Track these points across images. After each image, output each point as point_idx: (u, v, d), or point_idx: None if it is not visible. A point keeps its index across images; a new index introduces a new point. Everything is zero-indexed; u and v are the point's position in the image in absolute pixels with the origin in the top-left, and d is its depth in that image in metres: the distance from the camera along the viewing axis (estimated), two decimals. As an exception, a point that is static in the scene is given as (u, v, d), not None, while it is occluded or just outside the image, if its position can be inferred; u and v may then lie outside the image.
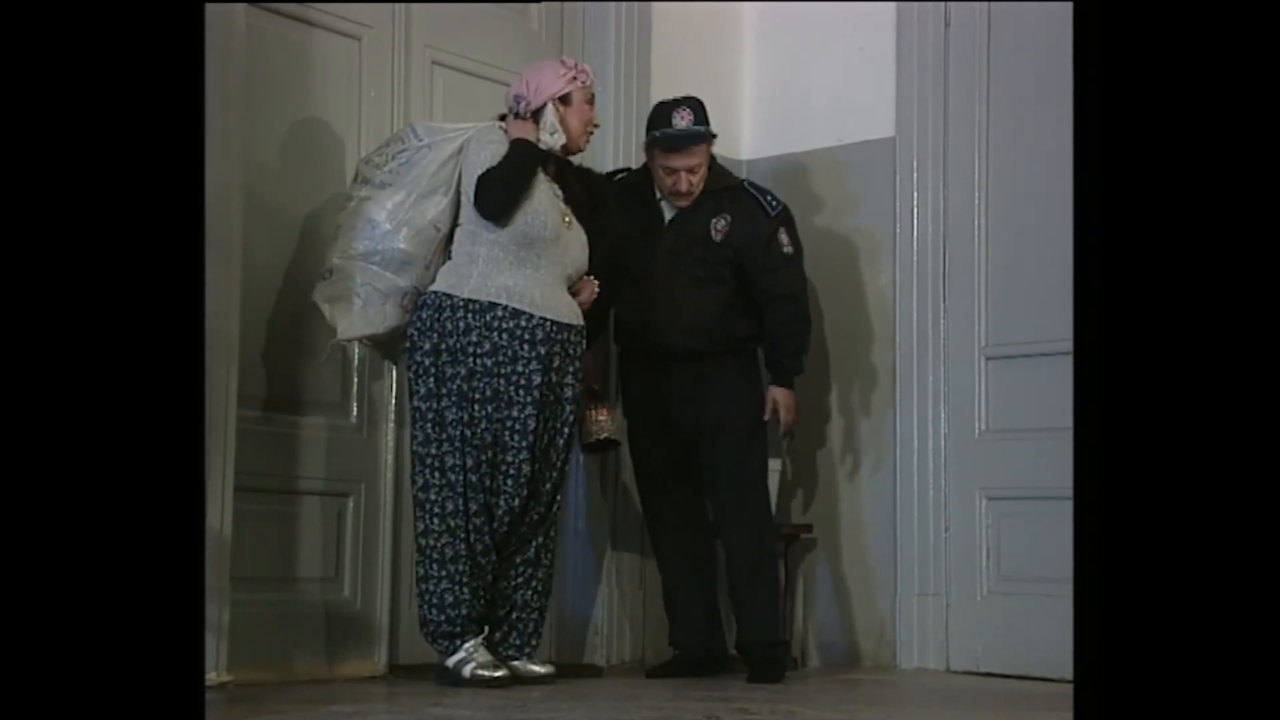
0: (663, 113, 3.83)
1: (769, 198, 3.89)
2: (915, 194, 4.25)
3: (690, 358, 3.84)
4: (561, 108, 3.49)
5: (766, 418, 3.87)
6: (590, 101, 3.54)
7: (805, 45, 4.51)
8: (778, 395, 3.87)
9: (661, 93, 3.99)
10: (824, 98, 4.46)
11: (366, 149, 3.66)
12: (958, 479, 4.13)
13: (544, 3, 4.21)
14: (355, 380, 3.73)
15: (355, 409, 3.73)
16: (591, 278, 3.56)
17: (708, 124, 3.83)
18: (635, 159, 4.13)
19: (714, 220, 3.85)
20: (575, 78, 3.51)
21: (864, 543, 4.29)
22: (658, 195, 3.90)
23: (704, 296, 3.83)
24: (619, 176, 3.99)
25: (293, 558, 3.57)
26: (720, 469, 3.86)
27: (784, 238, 3.87)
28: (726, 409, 3.84)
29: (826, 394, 4.33)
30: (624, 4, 4.25)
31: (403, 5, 3.86)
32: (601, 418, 3.83)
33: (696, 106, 3.83)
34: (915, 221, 4.25)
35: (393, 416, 3.78)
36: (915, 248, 4.25)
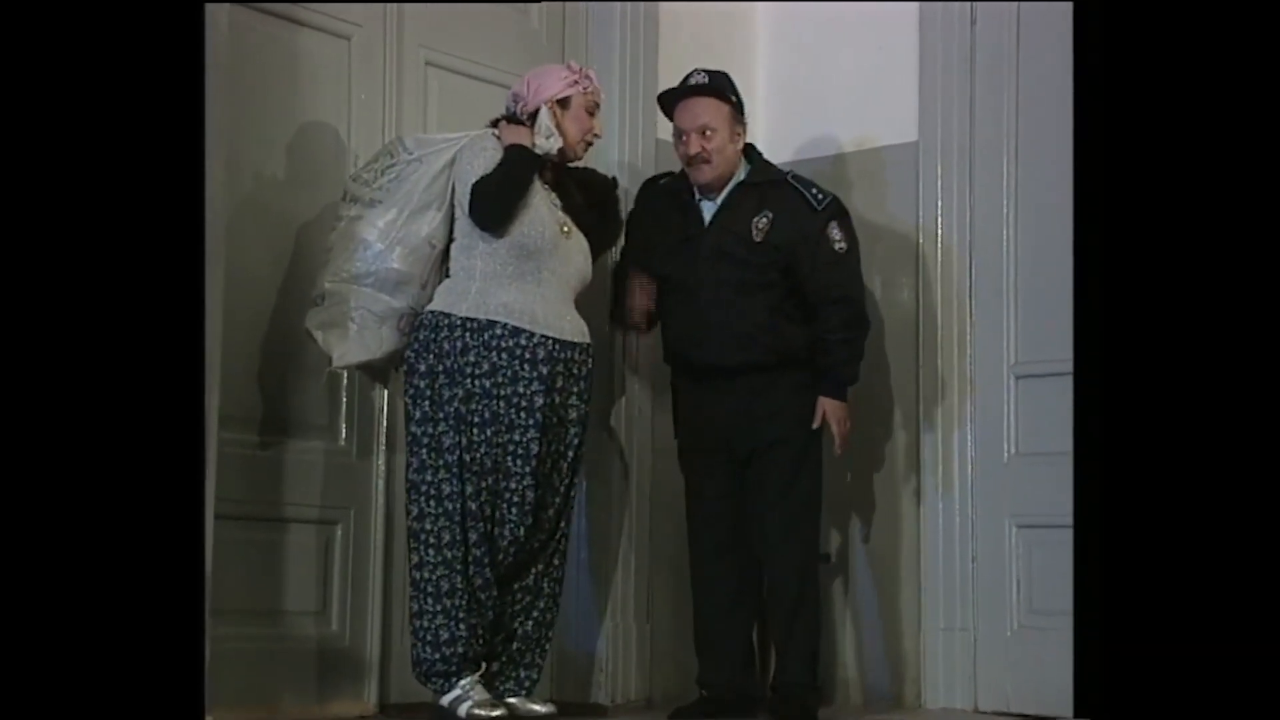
0: (682, 80, 3.77)
1: (814, 191, 3.78)
2: (939, 202, 4.20)
3: (739, 372, 3.72)
4: (559, 112, 3.47)
5: (815, 424, 3.73)
6: (593, 112, 3.52)
7: (821, 45, 4.48)
8: (828, 407, 3.73)
9: (669, 84, 3.92)
10: (842, 100, 4.41)
11: (356, 155, 3.66)
12: (985, 505, 4.08)
13: (545, 1, 4.19)
14: (344, 401, 3.70)
15: (344, 431, 3.70)
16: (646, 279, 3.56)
17: (730, 91, 3.74)
18: (641, 165, 4.14)
19: (755, 219, 3.73)
20: (577, 82, 3.49)
21: (885, 574, 4.23)
22: (697, 196, 3.80)
23: (750, 303, 3.71)
24: (662, 181, 3.92)
25: (278, 589, 3.54)
26: (768, 494, 3.74)
27: (835, 233, 3.75)
28: (779, 429, 3.72)
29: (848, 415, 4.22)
30: (629, 3, 4.23)
31: (395, 3, 3.83)
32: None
33: (717, 73, 3.75)
34: (939, 232, 4.21)
35: (384, 439, 3.74)
36: (939, 259, 4.20)
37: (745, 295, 3.71)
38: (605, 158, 4.06)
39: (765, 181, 3.79)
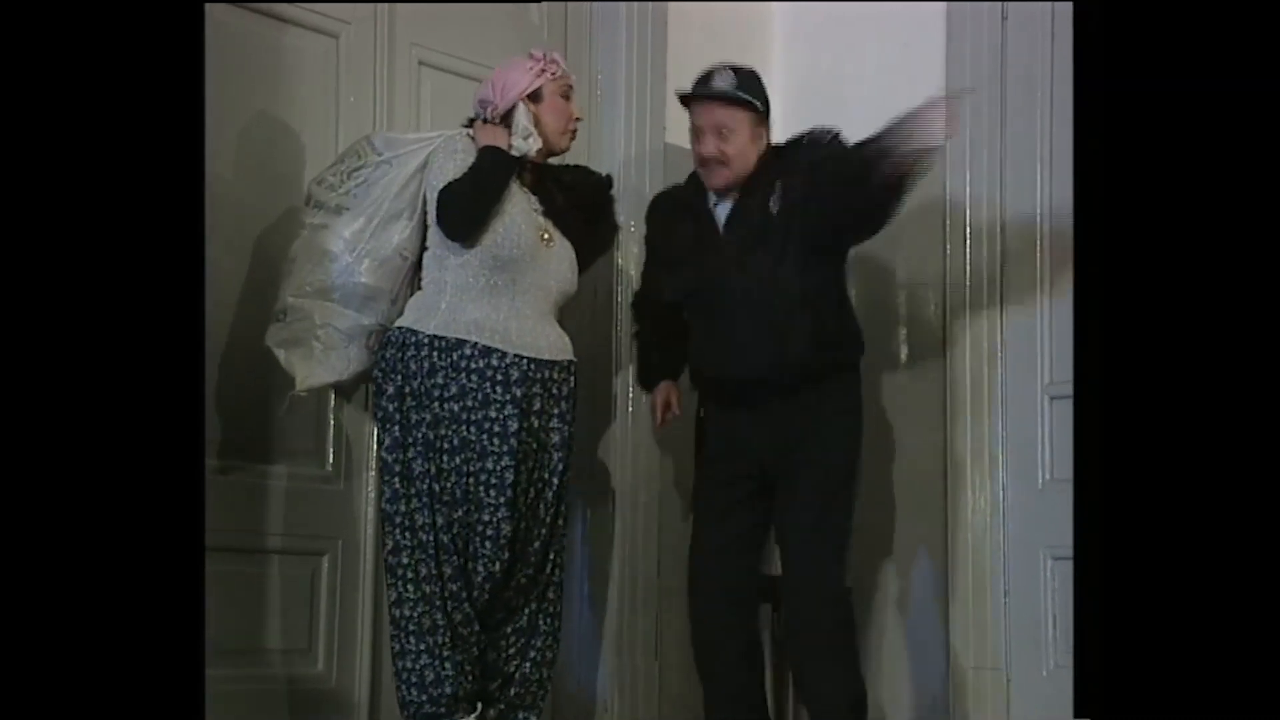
0: (703, 73, 3.63)
1: (788, 147, 3.60)
2: (968, 212, 4.15)
3: (775, 382, 3.50)
4: (533, 106, 3.39)
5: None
6: (567, 95, 3.43)
7: (842, 44, 4.46)
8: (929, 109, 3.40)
9: (677, 86, 3.86)
10: (863, 105, 4.14)
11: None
12: (1019, 535, 4.02)
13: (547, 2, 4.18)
14: (330, 424, 3.65)
15: (330, 456, 3.66)
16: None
17: (755, 95, 3.58)
18: (648, 171, 4.13)
19: (770, 198, 3.55)
20: (544, 70, 3.40)
21: (910, 609, 4.17)
22: (711, 200, 3.62)
23: (787, 296, 3.49)
24: (671, 191, 3.79)
25: (259, 626, 3.51)
26: (794, 525, 3.53)
27: (819, 137, 3.55)
28: (813, 449, 3.51)
29: (866, 437, 4.12)
30: (637, 1, 4.21)
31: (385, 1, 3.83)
32: None
33: (745, 73, 3.60)
34: (968, 244, 4.15)
35: (373, 465, 3.69)
36: (968, 273, 4.14)
37: (774, 286, 3.50)
38: (610, 162, 4.04)
39: (772, 163, 3.60)
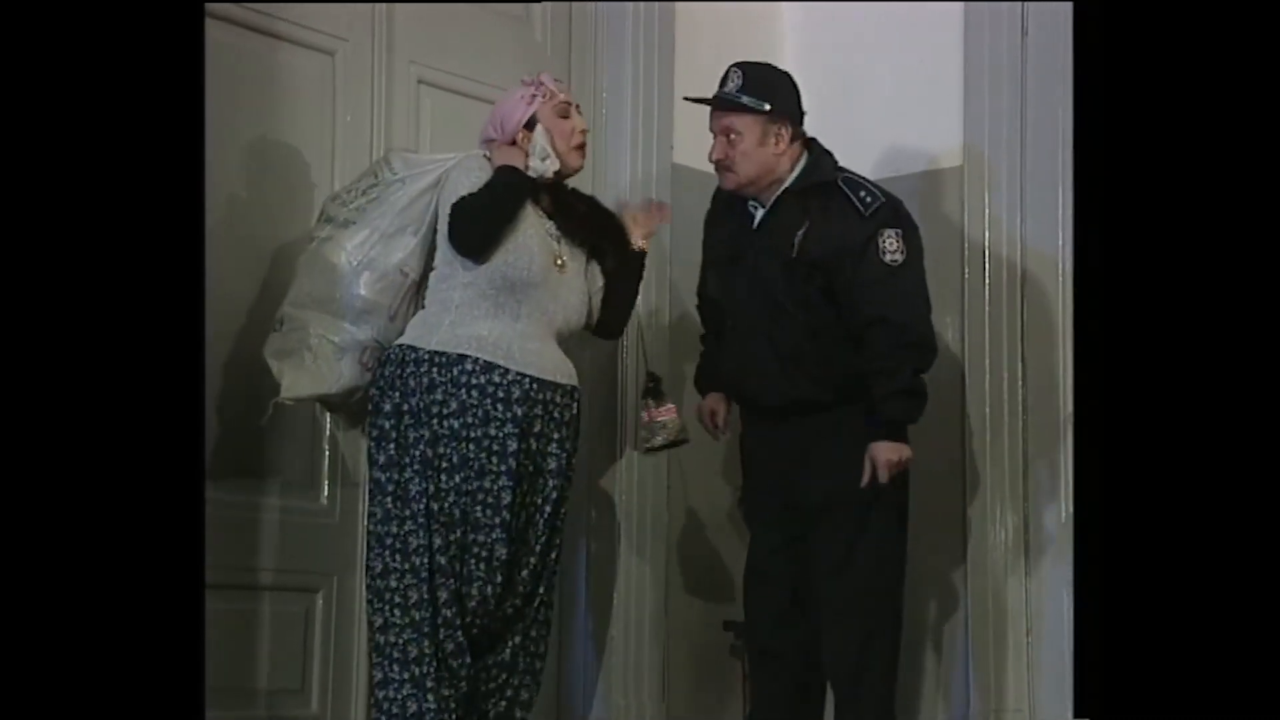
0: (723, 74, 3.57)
1: (864, 193, 3.50)
2: (987, 234, 4.11)
3: (790, 411, 3.46)
4: (527, 134, 3.37)
5: (864, 483, 3.38)
6: (565, 114, 3.41)
7: (855, 54, 4.43)
8: (875, 452, 3.38)
9: (684, 107, 3.85)
10: (877, 118, 4.34)
11: (340, 181, 3.60)
12: (1041, 573, 3.98)
13: (548, 1, 4.15)
14: (326, 452, 3.62)
15: (325, 488, 3.63)
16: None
17: (762, 96, 3.51)
18: (655, 191, 4.09)
19: (797, 232, 3.48)
20: (535, 95, 3.39)
21: (928, 650, 4.11)
22: (751, 204, 3.58)
23: (789, 328, 3.45)
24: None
25: (251, 666, 3.48)
26: (824, 561, 3.44)
27: (888, 243, 3.42)
28: (834, 480, 3.42)
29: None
30: (643, 3, 4.19)
31: (383, 14, 3.82)
32: (661, 418, 3.60)
33: (755, 73, 3.53)
34: (987, 266, 4.11)
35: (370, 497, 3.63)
36: (987, 297, 4.10)
37: (782, 319, 3.46)
38: (617, 184, 4.05)
39: (811, 185, 3.53)
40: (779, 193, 3.53)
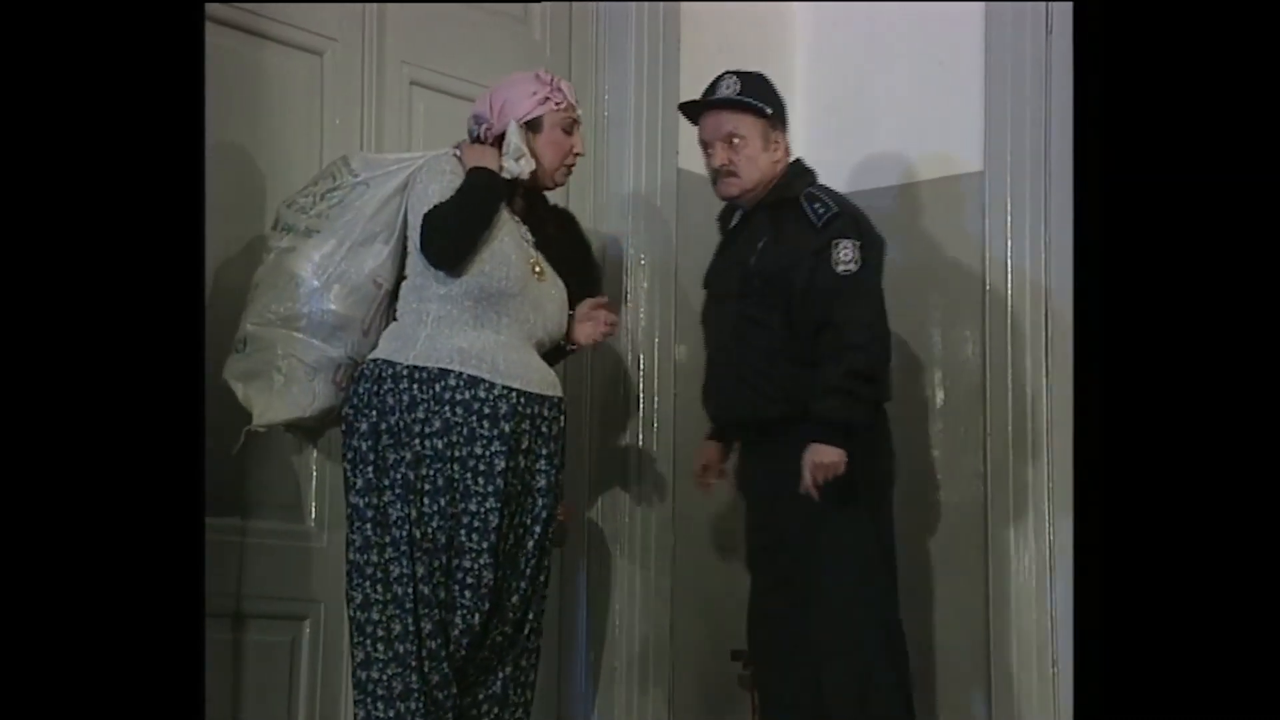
0: (709, 85, 3.57)
1: (818, 205, 3.48)
2: (1009, 243, 4.07)
3: (755, 428, 3.48)
4: (530, 135, 3.30)
5: (800, 489, 3.30)
6: (569, 129, 3.33)
7: (871, 56, 4.40)
8: (807, 454, 3.30)
9: (685, 116, 3.81)
10: (893, 122, 4.32)
11: None
12: (1069, 600, 3.82)
13: (548, 1, 4.11)
14: (313, 474, 3.57)
15: (313, 511, 3.59)
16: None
17: (763, 99, 3.54)
18: (659, 200, 4.10)
19: (756, 245, 3.52)
20: (548, 98, 3.30)
21: (949, 680, 4.07)
22: (734, 220, 3.64)
23: (749, 344, 3.46)
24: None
25: (233, 699, 3.44)
26: (808, 597, 3.40)
27: (841, 253, 3.40)
28: (804, 504, 3.35)
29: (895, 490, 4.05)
30: (646, 3, 4.16)
31: (374, 12, 3.75)
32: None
33: (751, 78, 3.53)
34: (1010, 277, 4.07)
35: None
36: (1010, 309, 4.05)
37: (741, 335, 3.49)
38: (619, 191, 4.05)
39: (779, 200, 3.55)
40: (752, 207, 3.56)
